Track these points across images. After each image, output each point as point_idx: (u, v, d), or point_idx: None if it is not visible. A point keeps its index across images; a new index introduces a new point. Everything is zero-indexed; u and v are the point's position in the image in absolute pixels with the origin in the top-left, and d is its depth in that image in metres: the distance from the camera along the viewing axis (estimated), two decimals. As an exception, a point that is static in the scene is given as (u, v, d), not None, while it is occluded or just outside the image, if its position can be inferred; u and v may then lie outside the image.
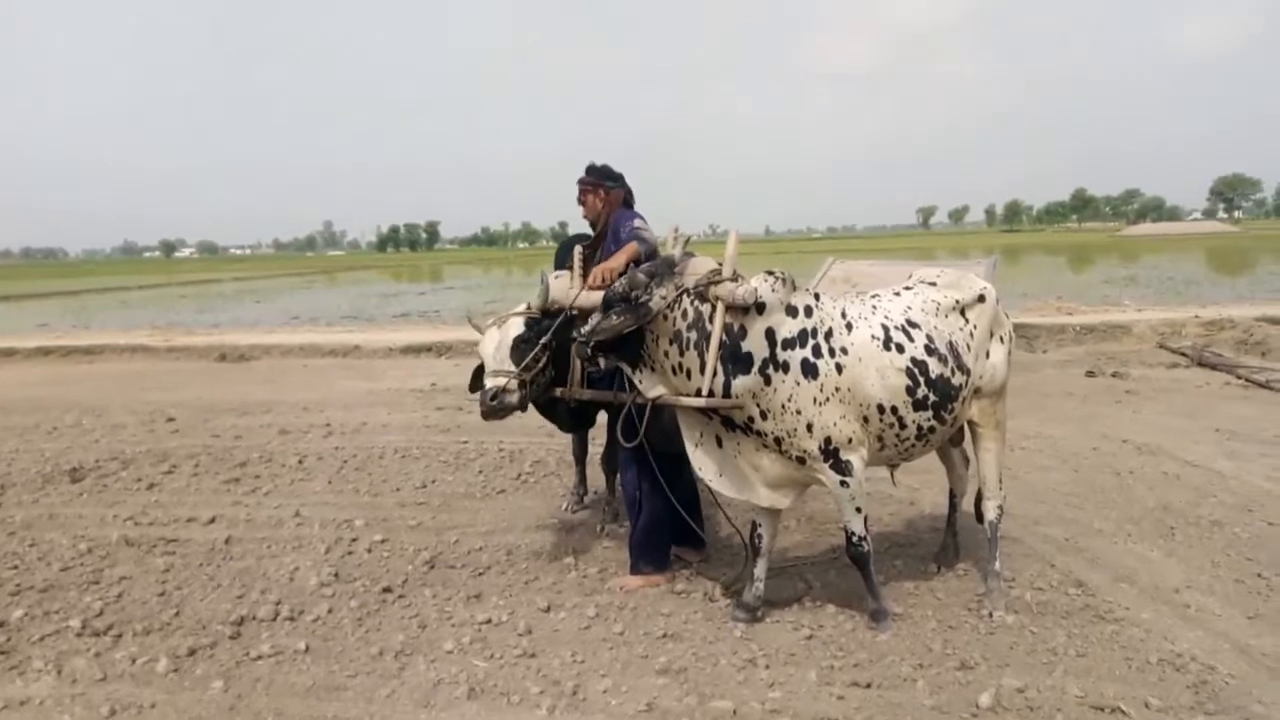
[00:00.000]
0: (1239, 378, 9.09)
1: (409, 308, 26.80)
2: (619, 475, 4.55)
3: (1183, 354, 10.63)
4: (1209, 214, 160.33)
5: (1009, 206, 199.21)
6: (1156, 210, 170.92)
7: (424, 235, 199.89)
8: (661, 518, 4.23)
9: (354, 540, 4.90)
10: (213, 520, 5.32)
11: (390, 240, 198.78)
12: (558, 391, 4.06)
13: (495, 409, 3.81)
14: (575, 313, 3.76)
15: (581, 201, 4.51)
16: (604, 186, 4.44)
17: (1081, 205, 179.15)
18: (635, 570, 4.26)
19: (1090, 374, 9.69)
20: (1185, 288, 23.55)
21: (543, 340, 3.83)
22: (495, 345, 3.95)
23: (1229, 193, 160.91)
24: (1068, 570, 4.24)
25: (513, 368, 3.84)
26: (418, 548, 4.77)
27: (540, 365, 3.89)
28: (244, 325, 20.24)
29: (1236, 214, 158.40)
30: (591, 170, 4.48)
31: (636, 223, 4.12)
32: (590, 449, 5.54)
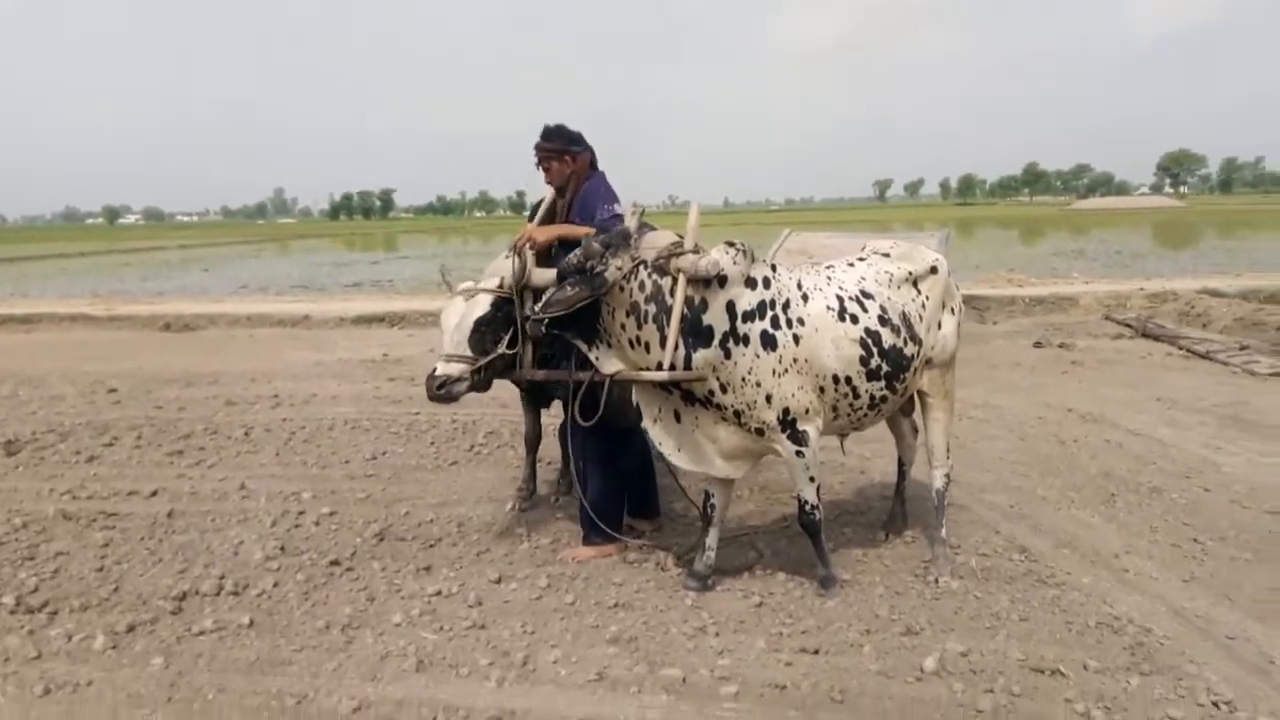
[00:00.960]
0: (1181, 349, 9.32)
1: (361, 277, 26.36)
2: (570, 447, 4.46)
3: (1128, 325, 10.87)
4: (1156, 189, 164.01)
5: (963, 180, 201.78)
6: (1106, 185, 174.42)
7: (378, 203, 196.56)
8: (613, 488, 4.21)
9: (301, 513, 4.81)
10: (155, 493, 5.19)
11: (343, 208, 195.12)
12: (507, 375, 3.89)
13: (441, 398, 3.65)
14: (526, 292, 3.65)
15: (545, 168, 4.19)
16: (569, 152, 4.14)
17: (1033, 179, 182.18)
18: (587, 541, 4.25)
19: (1038, 345, 9.86)
20: (1131, 261, 24.08)
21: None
22: (456, 322, 3.75)
23: (1175, 168, 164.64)
24: (1012, 536, 4.32)
25: (469, 352, 3.68)
26: (367, 520, 4.70)
27: (498, 352, 3.71)
28: (190, 294, 19.74)
29: (1182, 189, 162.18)
30: (550, 134, 4.14)
31: (616, 209, 3.90)
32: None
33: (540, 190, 4.36)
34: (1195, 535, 4.29)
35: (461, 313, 3.76)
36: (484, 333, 3.69)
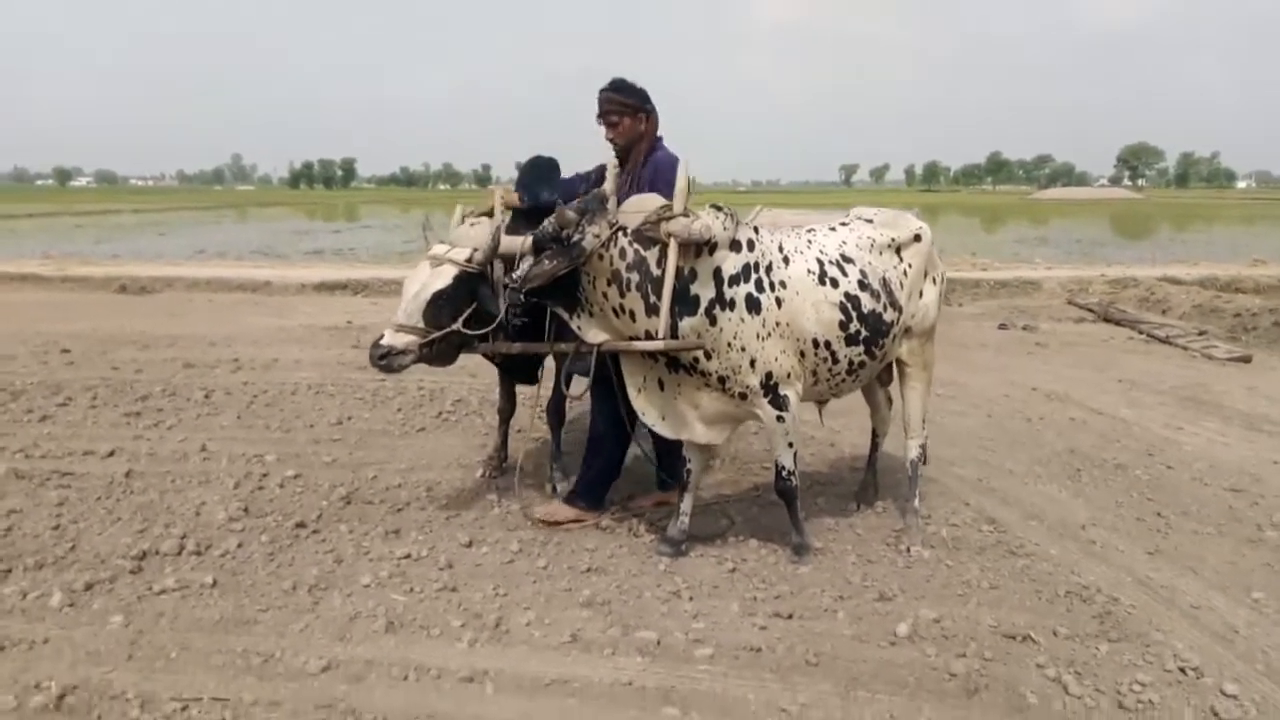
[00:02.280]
0: (1141, 333, 9.48)
1: (323, 245, 25.90)
2: (592, 408, 4.14)
3: (1090, 310, 11.04)
4: (1115, 181, 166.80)
5: (928, 167, 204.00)
6: (1067, 175, 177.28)
7: (339, 172, 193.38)
8: (616, 462, 4.15)
9: (265, 475, 4.70)
10: (112, 453, 5.04)
11: (303, 176, 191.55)
12: (479, 347, 3.66)
13: (383, 368, 3.47)
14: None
15: (612, 124, 3.82)
16: (644, 109, 3.80)
17: (996, 168, 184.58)
18: (571, 501, 4.17)
19: (1003, 327, 9.98)
20: (1092, 249, 24.50)
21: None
22: (416, 290, 3.54)
23: (1134, 161, 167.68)
24: (981, 508, 4.35)
25: (421, 324, 3.48)
26: (333, 484, 4.60)
27: (451, 327, 3.50)
28: (146, 258, 19.23)
29: (1140, 182, 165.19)
30: (622, 86, 3.79)
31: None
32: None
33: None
34: (1159, 510, 4.36)
35: (423, 281, 3.56)
36: (441, 306, 3.49)
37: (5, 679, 2.80)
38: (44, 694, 2.70)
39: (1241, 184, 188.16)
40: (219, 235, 30.98)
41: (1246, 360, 7.97)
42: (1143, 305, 11.35)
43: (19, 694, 2.71)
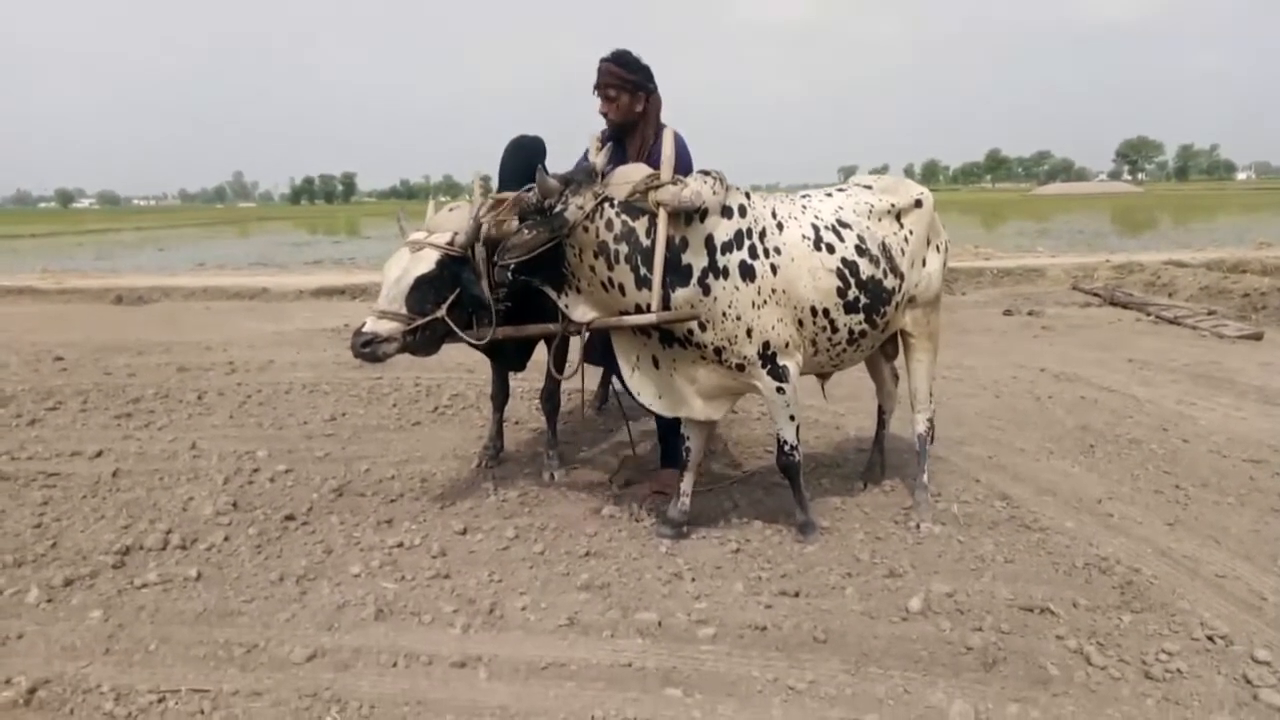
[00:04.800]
0: (1149, 314, 9.33)
1: (323, 255, 25.78)
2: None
3: (1095, 294, 10.90)
4: (1114, 175, 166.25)
5: (926, 166, 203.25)
6: (1065, 171, 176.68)
7: (340, 187, 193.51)
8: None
9: (255, 471, 4.59)
10: (99, 454, 4.92)
11: (305, 192, 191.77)
12: (464, 335, 3.50)
13: (365, 356, 3.33)
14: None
15: (610, 99, 3.59)
16: (646, 89, 3.61)
17: (995, 165, 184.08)
18: (669, 463, 4.10)
19: (1008, 312, 9.83)
20: (1095, 239, 24.28)
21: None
22: (396, 276, 3.41)
23: (1133, 155, 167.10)
24: (992, 485, 4.22)
25: (404, 310, 3.35)
26: (324, 477, 4.48)
27: (435, 315, 3.38)
28: (145, 271, 19.13)
29: (1140, 176, 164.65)
30: (626, 60, 3.55)
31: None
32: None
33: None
34: (1177, 482, 4.22)
35: (404, 266, 3.43)
36: (424, 291, 3.37)
37: (-25, 675, 2.68)
38: (13, 689, 2.58)
39: (1241, 175, 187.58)
40: (219, 249, 30.87)
41: (1258, 338, 7.82)
42: (1149, 289, 11.18)
43: (-12, 690, 2.59)
